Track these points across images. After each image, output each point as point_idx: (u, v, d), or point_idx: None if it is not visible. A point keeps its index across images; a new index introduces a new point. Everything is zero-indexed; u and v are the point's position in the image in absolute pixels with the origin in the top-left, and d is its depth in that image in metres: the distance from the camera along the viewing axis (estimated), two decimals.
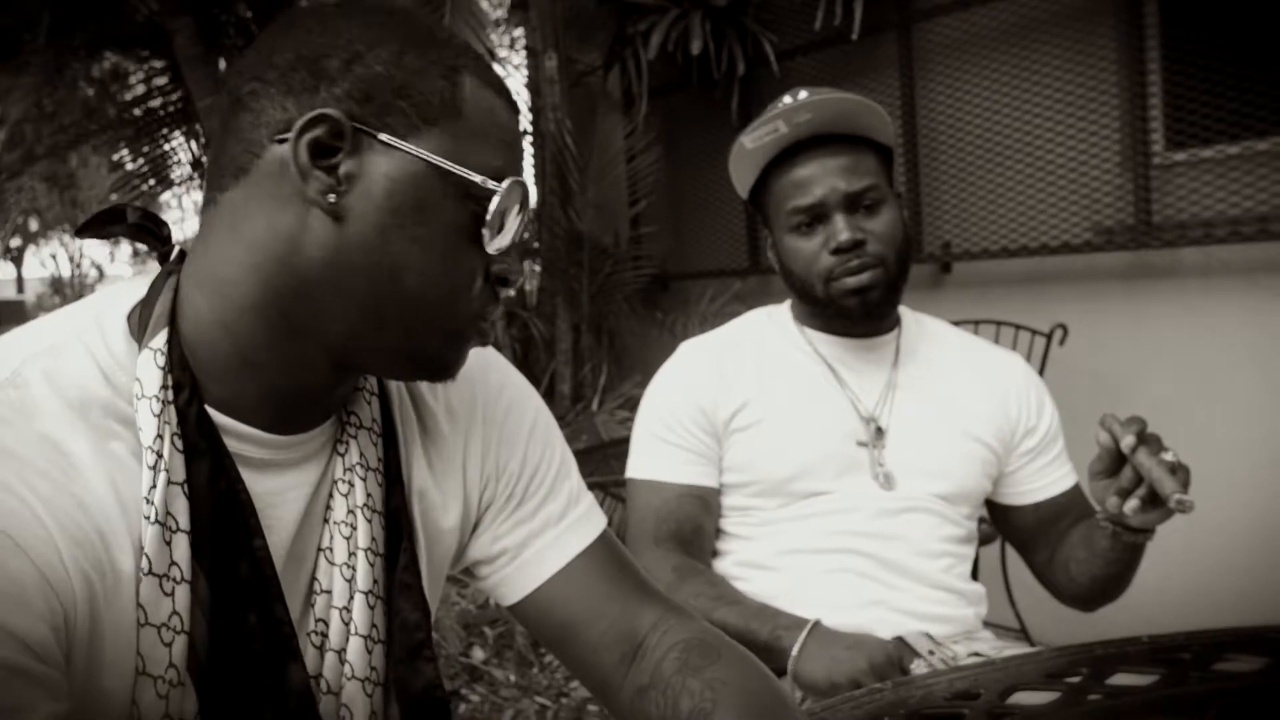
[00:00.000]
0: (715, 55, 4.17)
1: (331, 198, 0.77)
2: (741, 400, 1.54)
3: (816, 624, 1.34)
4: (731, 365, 1.57)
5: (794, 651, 1.31)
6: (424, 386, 0.97)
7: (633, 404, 4.10)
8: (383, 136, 0.77)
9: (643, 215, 4.90)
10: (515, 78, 5.06)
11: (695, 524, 1.53)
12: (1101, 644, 1.13)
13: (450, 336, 0.83)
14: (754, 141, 1.51)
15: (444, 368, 0.85)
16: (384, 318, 0.79)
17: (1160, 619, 1.43)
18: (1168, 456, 1.21)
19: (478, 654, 3.41)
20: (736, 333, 1.65)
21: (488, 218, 0.79)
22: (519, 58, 5.03)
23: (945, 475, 1.52)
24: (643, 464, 1.58)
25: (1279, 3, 2.86)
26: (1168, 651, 1.08)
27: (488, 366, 1.03)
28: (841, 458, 1.50)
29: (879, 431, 1.52)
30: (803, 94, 1.48)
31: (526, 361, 4.64)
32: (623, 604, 1.00)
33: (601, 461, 3.43)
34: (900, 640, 1.35)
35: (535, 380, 4.56)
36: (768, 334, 1.62)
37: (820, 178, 1.48)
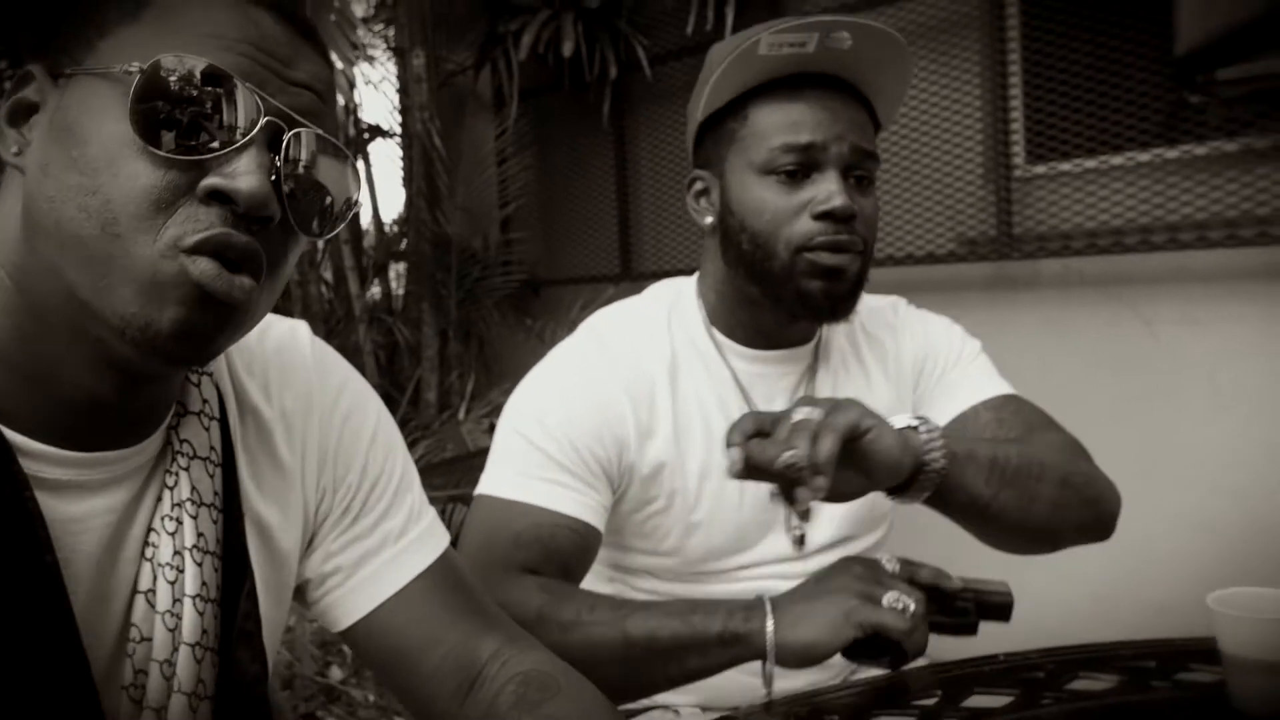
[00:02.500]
0: (587, 58, 4.11)
1: (15, 150, 0.69)
2: (656, 462, 1.27)
3: (768, 597, 1.10)
4: (645, 409, 1.27)
5: (769, 630, 1.06)
6: (259, 395, 0.88)
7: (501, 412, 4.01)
8: (67, 70, 0.68)
9: (513, 219, 4.81)
10: (383, 76, 4.91)
11: (562, 563, 1.21)
12: (958, 663, 1.10)
13: (140, 283, 0.65)
14: (771, 49, 1.20)
15: (159, 334, 0.66)
16: (64, 272, 0.67)
17: (1017, 632, 1.41)
18: (801, 415, 1.02)
19: (335, 673, 3.28)
20: (642, 351, 1.31)
21: (159, 112, 0.65)
22: (386, 56, 4.88)
23: (856, 516, 1.35)
24: (512, 483, 1.23)
25: (1135, 23, 2.94)
26: (1023, 670, 1.06)
27: (325, 367, 0.93)
28: (756, 525, 1.31)
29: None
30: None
31: (391, 368, 4.51)
32: (463, 630, 0.92)
33: (467, 472, 3.33)
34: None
35: (400, 388, 4.44)
36: (678, 347, 1.33)
37: (827, 121, 1.22)
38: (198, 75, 0.66)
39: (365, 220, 4.82)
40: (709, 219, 1.32)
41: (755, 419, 1.04)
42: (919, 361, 1.40)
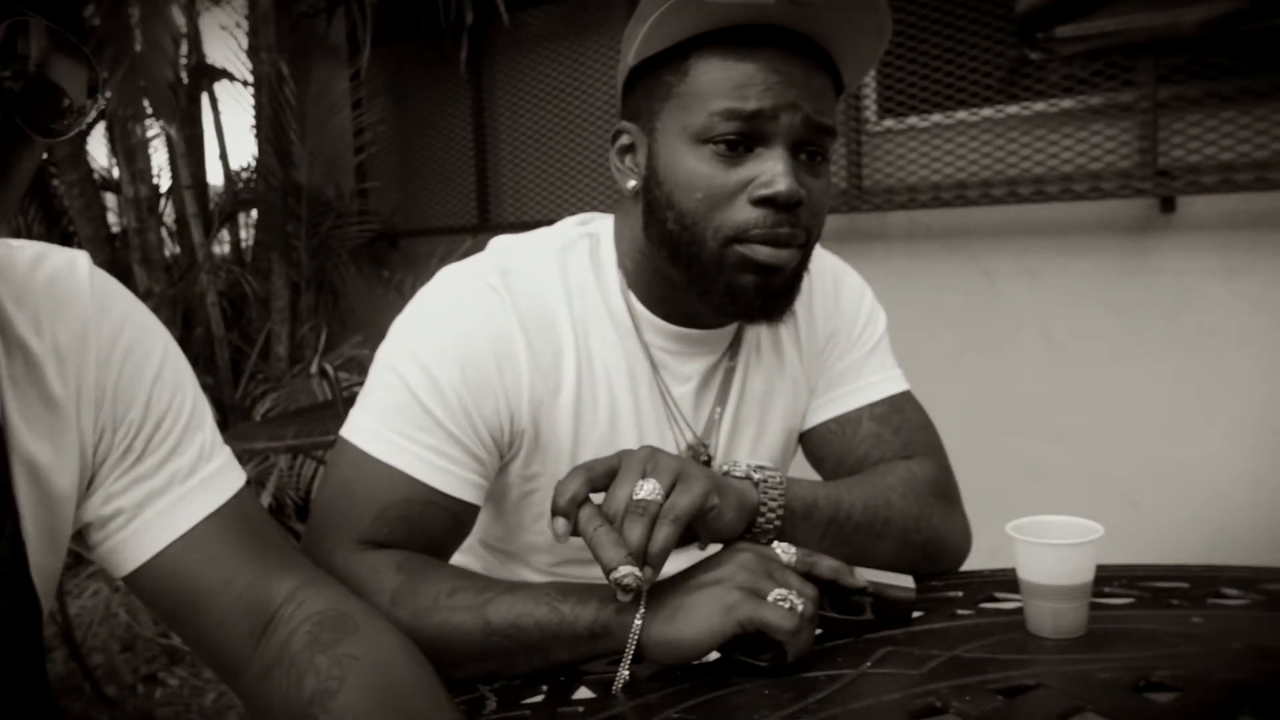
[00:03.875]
0: (443, 3, 4.01)
1: None
2: (550, 432, 1.12)
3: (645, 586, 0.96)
4: (544, 371, 1.10)
5: (637, 620, 0.93)
6: (28, 329, 0.82)
7: (354, 365, 3.90)
8: None
9: (368, 168, 4.68)
10: (237, 22, 4.69)
11: (428, 543, 1.06)
12: None
13: None
14: None
15: None
16: None
17: None
18: (643, 491, 0.92)
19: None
20: (553, 299, 1.13)
21: None
22: None
23: None
24: (387, 441, 1.05)
25: None
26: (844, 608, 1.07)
27: (106, 301, 0.87)
28: None
29: (707, 464, 1.17)
30: None
31: (240, 321, 4.35)
32: (256, 572, 0.88)
33: (316, 421, 3.24)
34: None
35: (249, 341, 4.30)
36: (591, 304, 1.15)
37: (779, 86, 1.02)
38: None
39: (213, 167, 4.63)
40: (632, 183, 1.12)
41: (586, 476, 0.94)
42: (826, 338, 1.29)
